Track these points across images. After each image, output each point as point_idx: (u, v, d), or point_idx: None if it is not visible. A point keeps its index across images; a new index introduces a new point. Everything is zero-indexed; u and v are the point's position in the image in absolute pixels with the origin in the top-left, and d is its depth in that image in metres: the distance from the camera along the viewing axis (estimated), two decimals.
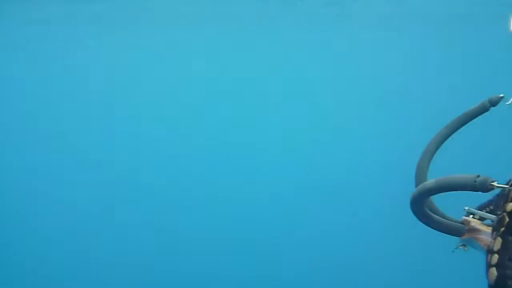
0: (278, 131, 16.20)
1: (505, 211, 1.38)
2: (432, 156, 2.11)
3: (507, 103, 2.12)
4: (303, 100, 16.58)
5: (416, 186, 2.01)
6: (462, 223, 1.87)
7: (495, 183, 1.55)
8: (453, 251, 1.95)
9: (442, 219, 1.91)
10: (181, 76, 16.21)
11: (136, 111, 15.82)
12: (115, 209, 15.90)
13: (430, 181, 1.75)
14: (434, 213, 1.90)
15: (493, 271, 1.35)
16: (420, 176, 2.05)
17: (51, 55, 14.46)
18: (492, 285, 1.35)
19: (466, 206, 1.92)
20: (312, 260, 14.90)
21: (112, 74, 16.92)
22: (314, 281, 15.13)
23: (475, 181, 1.55)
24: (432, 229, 1.91)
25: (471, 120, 2.13)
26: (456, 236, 1.87)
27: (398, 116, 14.44)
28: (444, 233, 1.90)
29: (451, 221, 1.92)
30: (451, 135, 2.13)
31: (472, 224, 1.82)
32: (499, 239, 1.37)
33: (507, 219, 1.37)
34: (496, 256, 1.36)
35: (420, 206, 1.85)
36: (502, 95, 2.11)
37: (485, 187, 1.54)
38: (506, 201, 1.40)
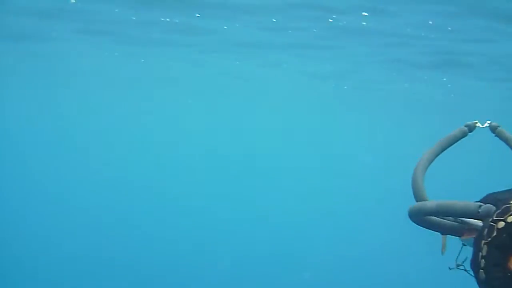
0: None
1: (495, 224, 1.47)
2: (422, 178, 2.15)
3: (481, 126, 2.32)
4: None
5: (414, 194, 2.08)
6: (462, 223, 1.87)
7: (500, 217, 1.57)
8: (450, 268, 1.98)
9: (442, 219, 1.91)
10: None
11: None
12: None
13: (431, 203, 1.78)
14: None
15: (482, 273, 1.47)
16: (417, 195, 2.08)
17: None
18: (481, 284, 1.48)
19: None
20: None
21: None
22: None
23: (478, 212, 1.59)
24: (432, 230, 1.92)
25: (451, 145, 2.27)
26: (456, 236, 1.88)
27: None
28: (444, 233, 1.90)
29: (451, 221, 1.92)
30: (432, 160, 2.22)
31: (472, 223, 1.82)
32: (486, 248, 1.46)
33: (495, 233, 1.45)
34: (483, 261, 1.46)
35: (418, 219, 1.90)
36: (476, 121, 2.32)
37: (488, 216, 1.56)
38: (499, 217, 1.47)
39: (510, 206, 1.46)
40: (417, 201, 2.01)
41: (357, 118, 30.74)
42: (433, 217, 1.89)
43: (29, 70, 25.21)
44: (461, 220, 1.85)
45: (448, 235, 1.98)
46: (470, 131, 2.31)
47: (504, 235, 1.44)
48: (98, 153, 32.56)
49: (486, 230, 1.48)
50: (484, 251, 1.46)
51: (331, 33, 12.75)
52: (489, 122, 2.34)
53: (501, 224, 1.45)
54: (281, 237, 22.56)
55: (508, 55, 13.23)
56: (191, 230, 23.93)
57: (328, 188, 29.67)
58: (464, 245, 1.87)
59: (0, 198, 22.43)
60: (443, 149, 2.25)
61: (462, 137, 2.29)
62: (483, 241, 1.48)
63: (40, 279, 15.52)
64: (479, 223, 1.78)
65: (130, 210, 25.14)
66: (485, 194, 1.70)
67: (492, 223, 1.47)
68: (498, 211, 1.48)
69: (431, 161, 2.21)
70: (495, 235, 1.46)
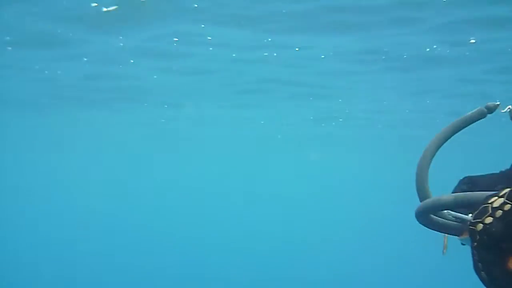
0: None
1: (474, 227, 1.44)
2: (431, 160, 2.11)
3: (502, 110, 2.18)
4: None
5: (418, 191, 2.04)
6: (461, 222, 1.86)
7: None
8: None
9: (441, 218, 1.90)
10: None
11: None
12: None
13: (447, 196, 1.76)
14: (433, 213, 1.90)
15: (484, 275, 1.44)
16: (421, 181, 2.04)
17: None
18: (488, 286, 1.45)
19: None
20: None
21: None
22: None
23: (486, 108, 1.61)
24: (432, 230, 1.91)
25: (468, 125, 2.15)
26: (456, 236, 1.87)
27: None
28: (443, 232, 1.89)
29: (450, 220, 1.91)
30: (448, 139, 2.14)
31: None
32: (475, 251, 1.45)
33: (477, 236, 1.43)
34: (479, 264, 1.44)
35: (427, 217, 1.87)
36: (498, 102, 2.17)
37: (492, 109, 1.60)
38: (476, 219, 1.44)
39: (487, 206, 1.42)
40: (420, 196, 1.99)
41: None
42: (434, 216, 1.88)
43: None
44: (461, 218, 1.84)
45: (447, 236, 1.97)
46: (490, 113, 2.18)
47: (485, 236, 1.41)
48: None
49: (469, 234, 1.46)
50: (476, 255, 1.44)
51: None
52: (510, 106, 2.22)
53: (480, 227, 1.42)
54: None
55: None
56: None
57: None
58: (463, 244, 1.86)
59: None
60: (457, 131, 2.15)
61: (480, 119, 2.18)
62: (472, 245, 1.45)
63: None
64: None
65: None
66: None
67: (472, 227, 1.44)
68: (476, 212, 1.44)
69: (444, 141, 2.14)
70: (478, 238, 1.42)
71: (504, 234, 1.38)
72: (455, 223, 1.86)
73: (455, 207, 1.75)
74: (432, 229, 1.91)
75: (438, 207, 1.80)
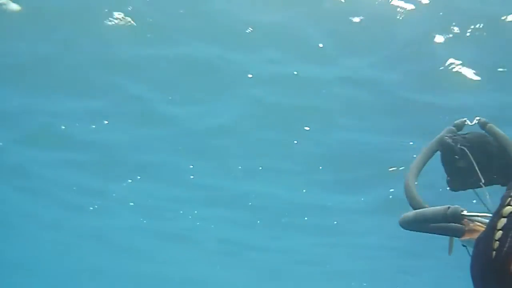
0: None
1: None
2: (415, 180, 2.16)
3: (471, 123, 2.29)
4: None
5: (409, 200, 2.10)
6: (461, 224, 1.88)
7: (465, 212, 1.64)
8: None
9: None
10: None
11: None
12: None
13: (410, 213, 1.88)
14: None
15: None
16: (410, 192, 2.10)
17: None
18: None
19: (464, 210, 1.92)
20: None
21: None
22: None
23: (447, 213, 1.65)
24: (433, 234, 1.93)
25: (440, 148, 2.22)
26: (456, 237, 1.89)
27: None
28: (444, 235, 1.91)
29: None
30: (426, 161, 2.22)
31: (472, 225, 1.83)
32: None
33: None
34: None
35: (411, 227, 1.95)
36: (465, 118, 2.30)
37: (457, 217, 1.64)
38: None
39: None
40: (412, 206, 2.03)
41: None
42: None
43: None
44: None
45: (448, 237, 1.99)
46: (459, 130, 2.28)
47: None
48: None
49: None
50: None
51: None
52: (478, 118, 2.29)
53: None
54: None
55: None
56: None
57: None
58: (464, 246, 1.88)
59: None
60: (433, 151, 2.23)
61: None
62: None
63: None
64: (478, 224, 1.80)
65: None
66: None
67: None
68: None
69: (423, 164, 2.21)
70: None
71: None
72: (456, 225, 1.88)
73: (416, 223, 1.86)
74: (434, 233, 1.92)
75: (406, 225, 1.91)
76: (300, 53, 8.28)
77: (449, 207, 1.62)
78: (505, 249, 1.23)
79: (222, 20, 7.76)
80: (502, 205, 1.33)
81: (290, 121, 10.20)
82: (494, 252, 1.24)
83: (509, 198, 1.31)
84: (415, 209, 1.97)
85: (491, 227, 1.29)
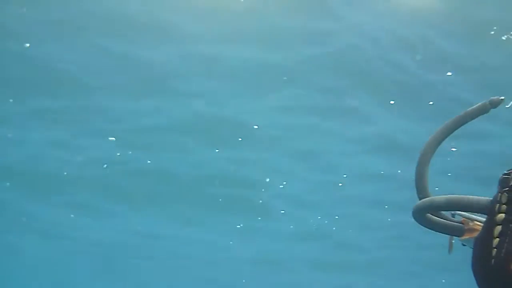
0: None
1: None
2: (432, 155, 2.06)
3: (507, 106, 2.10)
4: None
5: (416, 187, 2.01)
6: (461, 223, 1.87)
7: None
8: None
9: (441, 219, 1.91)
10: None
11: None
12: None
13: (439, 198, 1.72)
14: (433, 214, 1.91)
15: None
16: (420, 178, 2.02)
17: None
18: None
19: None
20: None
21: None
22: None
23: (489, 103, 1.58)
24: (432, 230, 1.92)
25: (470, 120, 2.07)
26: (456, 236, 1.88)
27: None
28: (444, 233, 1.91)
29: (451, 221, 1.92)
30: (449, 134, 2.08)
31: (471, 224, 1.83)
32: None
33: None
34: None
35: (422, 216, 1.86)
36: (503, 97, 2.06)
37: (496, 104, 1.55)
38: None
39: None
40: (419, 195, 1.98)
41: None
42: (434, 216, 1.89)
43: None
44: (466, 216, 1.84)
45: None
46: (493, 108, 2.07)
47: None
48: None
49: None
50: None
51: None
52: None
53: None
54: None
55: None
56: None
57: None
58: (464, 245, 1.87)
59: None
60: (459, 126, 2.07)
61: (483, 114, 2.07)
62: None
63: None
64: (478, 223, 1.80)
65: None
66: None
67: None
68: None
69: (445, 136, 2.06)
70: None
71: None
72: (456, 224, 1.88)
73: (447, 209, 1.74)
74: (433, 230, 1.92)
75: (432, 209, 1.79)
76: None
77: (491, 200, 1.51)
78: (502, 254, 1.30)
79: None
80: (494, 212, 1.35)
81: None
82: (493, 259, 1.31)
83: (498, 205, 1.34)
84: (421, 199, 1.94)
85: (488, 233, 1.34)
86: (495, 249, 1.31)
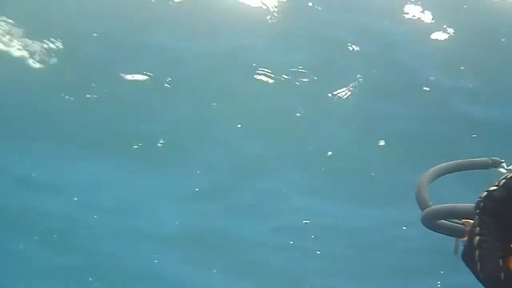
0: None
1: (480, 197, 1.54)
2: (430, 182, 2.19)
3: (507, 167, 2.24)
4: None
5: (418, 201, 2.14)
6: (463, 224, 1.91)
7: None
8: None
9: (444, 221, 1.95)
10: None
11: None
12: None
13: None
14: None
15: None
16: (421, 197, 2.13)
17: None
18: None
19: None
20: None
21: None
22: None
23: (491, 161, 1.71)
24: (435, 232, 1.96)
25: (470, 169, 2.25)
26: (458, 237, 1.92)
27: None
28: (446, 234, 1.94)
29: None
30: (449, 173, 2.25)
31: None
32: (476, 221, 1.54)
33: (481, 204, 1.52)
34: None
35: (432, 222, 1.98)
36: (503, 160, 2.25)
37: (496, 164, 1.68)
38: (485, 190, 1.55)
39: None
40: (420, 206, 2.07)
41: None
42: (440, 221, 1.93)
43: None
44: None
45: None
46: (493, 167, 2.23)
47: (488, 201, 1.50)
48: None
49: (475, 205, 1.54)
50: (478, 223, 1.50)
51: None
52: None
53: (484, 194, 1.53)
54: None
55: None
56: None
57: None
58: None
59: None
60: (458, 169, 2.25)
61: (483, 168, 2.25)
62: (476, 214, 1.53)
63: None
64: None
65: None
66: None
67: (478, 198, 1.55)
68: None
69: (441, 174, 2.23)
70: (482, 205, 1.52)
71: (506, 198, 1.46)
72: (457, 225, 1.92)
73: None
74: (436, 232, 1.96)
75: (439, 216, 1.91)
76: None
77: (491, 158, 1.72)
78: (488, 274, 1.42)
79: None
80: (472, 234, 1.47)
81: None
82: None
83: (474, 228, 1.47)
84: (423, 209, 2.04)
85: (472, 258, 1.46)
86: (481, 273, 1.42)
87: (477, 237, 1.44)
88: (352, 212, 11.43)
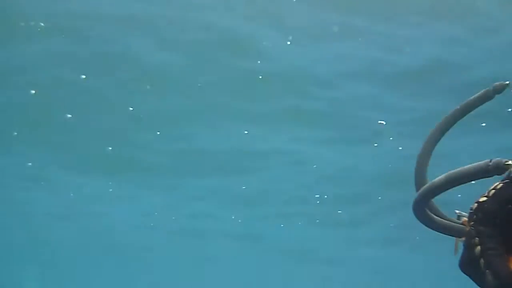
0: None
1: (471, 208, 1.52)
2: (433, 148, 2.01)
3: None
4: None
5: (416, 181, 1.98)
6: (462, 224, 1.88)
7: (510, 162, 1.50)
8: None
9: (443, 220, 1.93)
10: None
11: None
12: None
13: (438, 179, 1.69)
14: (434, 214, 1.92)
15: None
16: (420, 173, 2.00)
17: None
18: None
19: (457, 210, 1.94)
20: None
21: None
22: None
23: (489, 165, 1.52)
24: (433, 230, 1.94)
25: (473, 109, 1.95)
26: (457, 237, 1.90)
27: None
28: (445, 234, 1.92)
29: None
30: (452, 126, 1.98)
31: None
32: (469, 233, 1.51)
33: (474, 216, 1.50)
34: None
35: (424, 207, 1.85)
36: (508, 82, 1.91)
37: (500, 169, 1.50)
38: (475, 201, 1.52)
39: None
40: (417, 189, 1.93)
41: None
42: (436, 217, 1.90)
43: None
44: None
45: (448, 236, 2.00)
46: (498, 93, 1.91)
47: (479, 214, 1.49)
48: None
49: (468, 217, 1.54)
50: (471, 235, 1.49)
51: None
52: None
53: (475, 206, 1.52)
54: None
55: None
56: None
57: None
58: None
59: None
60: (461, 117, 1.96)
61: (487, 101, 1.92)
62: (469, 226, 1.51)
63: None
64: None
65: None
66: None
67: (470, 210, 1.53)
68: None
69: (447, 128, 1.97)
70: (474, 217, 1.50)
71: (496, 210, 1.45)
72: (457, 225, 1.89)
73: (450, 186, 1.68)
74: (435, 231, 1.93)
75: (434, 192, 1.75)
76: None
77: (490, 160, 1.53)
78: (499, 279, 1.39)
79: None
80: (471, 245, 1.46)
81: None
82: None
83: (472, 239, 1.46)
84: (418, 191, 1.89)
85: (476, 268, 1.44)
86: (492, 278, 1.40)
87: (478, 247, 1.44)
88: None
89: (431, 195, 1.77)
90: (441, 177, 1.68)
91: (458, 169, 1.62)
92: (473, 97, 1.94)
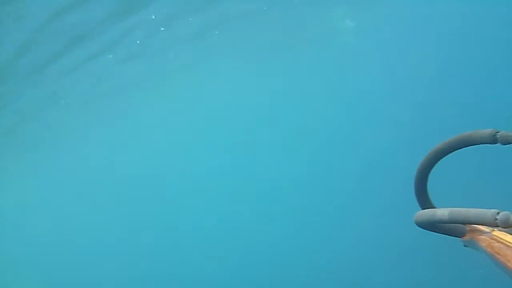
0: None
1: None
2: (430, 170, 2.04)
3: None
4: None
5: (418, 201, 2.04)
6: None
7: None
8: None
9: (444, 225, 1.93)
10: None
11: None
12: None
13: (443, 211, 1.70)
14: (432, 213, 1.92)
15: None
16: (420, 192, 2.04)
17: None
18: None
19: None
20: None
21: None
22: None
23: (496, 218, 1.49)
24: (433, 232, 1.94)
25: (474, 145, 1.91)
26: (458, 237, 1.90)
27: None
28: (446, 234, 1.92)
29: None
30: (450, 153, 1.99)
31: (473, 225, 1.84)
32: None
33: None
34: None
35: (425, 226, 1.87)
36: None
37: (507, 224, 1.47)
38: None
39: None
40: (420, 205, 2.00)
41: None
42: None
43: None
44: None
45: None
46: (503, 144, 1.85)
47: None
48: None
49: None
50: None
51: None
52: None
53: None
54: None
55: None
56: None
57: None
58: (466, 246, 1.89)
59: None
60: (459, 147, 1.96)
61: (489, 143, 1.88)
62: None
63: None
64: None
65: None
66: None
67: None
68: None
69: (445, 154, 1.98)
70: None
71: None
72: (457, 225, 1.89)
73: (450, 222, 1.71)
74: (435, 232, 1.93)
75: (432, 222, 1.80)
76: None
77: (498, 213, 1.49)
78: None
79: None
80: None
81: None
82: None
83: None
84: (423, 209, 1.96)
85: None
86: None
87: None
88: None
89: (431, 227, 1.83)
90: (444, 211, 1.69)
91: (463, 210, 1.62)
92: (477, 132, 1.90)
